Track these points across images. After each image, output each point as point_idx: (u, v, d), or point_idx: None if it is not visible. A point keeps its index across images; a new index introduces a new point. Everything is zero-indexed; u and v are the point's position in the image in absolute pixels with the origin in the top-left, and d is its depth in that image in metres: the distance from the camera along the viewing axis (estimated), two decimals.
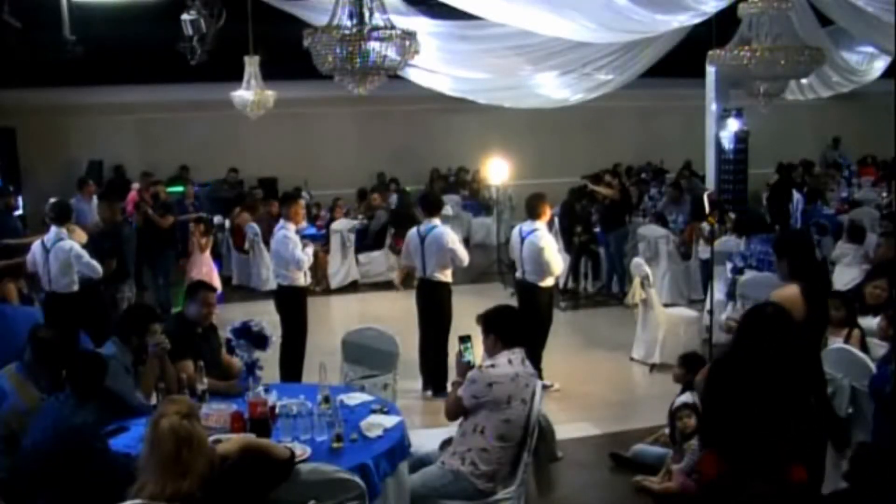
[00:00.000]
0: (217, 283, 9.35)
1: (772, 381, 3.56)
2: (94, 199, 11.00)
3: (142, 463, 2.98)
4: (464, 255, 7.22)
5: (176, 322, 5.19)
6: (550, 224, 10.92)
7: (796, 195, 12.75)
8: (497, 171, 12.50)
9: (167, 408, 3.02)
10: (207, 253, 10.00)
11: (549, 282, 7.24)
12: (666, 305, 8.63)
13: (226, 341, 4.97)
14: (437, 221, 7.28)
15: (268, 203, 12.16)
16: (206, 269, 9.72)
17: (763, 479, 3.50)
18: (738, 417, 3.54)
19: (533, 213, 7.27)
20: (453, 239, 7.20)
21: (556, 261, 7.18)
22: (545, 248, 7.07)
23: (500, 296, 9.32)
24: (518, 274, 7.45)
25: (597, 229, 11.08)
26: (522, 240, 7.23)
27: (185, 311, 5.15)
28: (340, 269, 11.77)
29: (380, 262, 12.08)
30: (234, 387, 4.70)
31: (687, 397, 5.34)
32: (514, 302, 7.19)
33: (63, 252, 7.18)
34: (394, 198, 14.56)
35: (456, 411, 4.35)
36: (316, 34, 4.62)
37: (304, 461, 3.59)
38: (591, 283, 11.14)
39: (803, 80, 10.25)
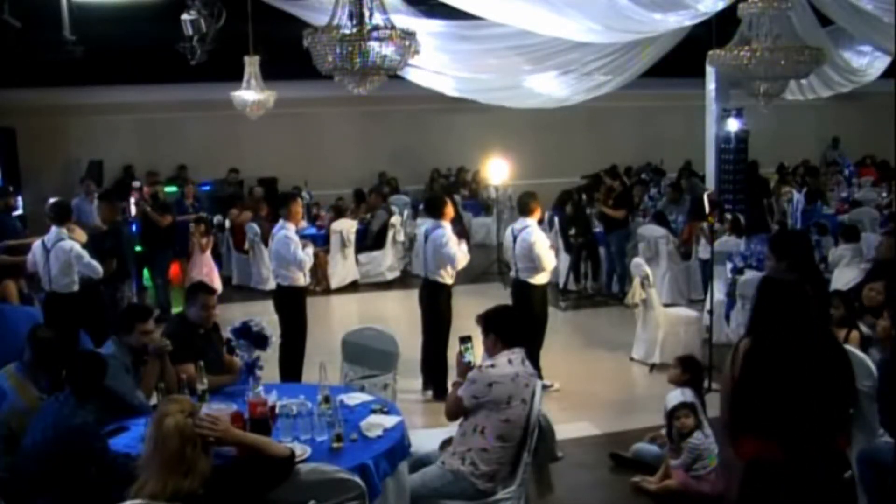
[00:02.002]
0: (217, 283, 9.37)
1: (804, 344, 3.43)
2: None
3: (143, 462, 2.98)
4: (456, 258, 7.05)
5: (178, 323, 5.19)
6: (550, 224, 11.03)
7: (796, 195, 12.75)
8: (497, 171, 12.51)
9: (170, 407, 3.01)
10: (208, 253, 10.03)
11: (541, 279, 7.22)
12: (666, 305, 8.62)
13: (226, 341, 4.98)
14: (443, 223, 7.21)
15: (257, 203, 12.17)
16: (206, 269, 9.75)
17: (819, 453, 3.40)
18: (784, 391, 3.40)
19: (524, 210, 7.29)
20: (447, 241, 7.08)
21: (548, 256, 7.16)
22: (535, 241, 7.07)
23: (500, 296, 9.25)
24: (512, 273, 7.46)
25: (597, 229, 11.08)
26: (515, 238, 7.24)
27: (186, 312, 5.15)
28: (340, 269, 11.78)
29: (380, 262, 12.08)
30: (234, 378, 4.76)
31: (682, 396, 5.32)
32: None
33: (63, 252, 7.17)
34: (394, 197, 14.57)
35: (456, 411, 4.35)
36: (316, 34, 4.62)
37: (303, 461, 3.59)
38: (591, 283, 11.14)
39: (803, 80, 10.24)
